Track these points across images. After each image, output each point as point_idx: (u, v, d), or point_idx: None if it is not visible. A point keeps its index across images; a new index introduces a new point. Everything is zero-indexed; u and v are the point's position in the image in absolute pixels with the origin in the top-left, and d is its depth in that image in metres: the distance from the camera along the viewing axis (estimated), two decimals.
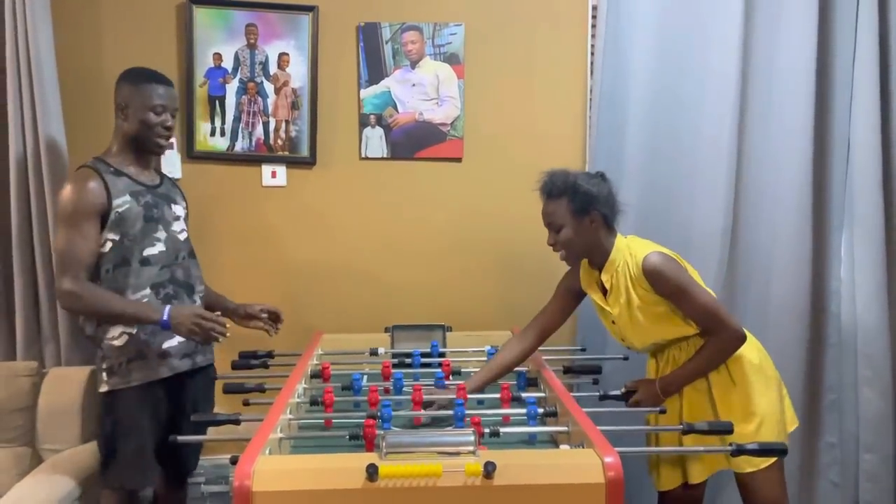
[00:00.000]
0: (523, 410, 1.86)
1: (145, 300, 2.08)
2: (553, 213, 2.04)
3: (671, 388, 2.04)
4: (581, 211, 2.00)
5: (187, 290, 2.22)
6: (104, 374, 2.10)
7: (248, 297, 2.79)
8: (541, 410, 1.86)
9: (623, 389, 2.11)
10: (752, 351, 2.05)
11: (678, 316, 2.00)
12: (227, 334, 2.04)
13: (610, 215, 2.04)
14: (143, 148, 2.17)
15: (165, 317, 2.00)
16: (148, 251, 2.12)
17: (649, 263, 1.94)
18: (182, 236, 2.25)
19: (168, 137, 2.18)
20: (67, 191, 2.04)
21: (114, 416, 2.10)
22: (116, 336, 2.08)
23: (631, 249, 2.02)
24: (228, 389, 2.17)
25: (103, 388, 2.10)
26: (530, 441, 1.81)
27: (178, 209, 2.27)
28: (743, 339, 1.97)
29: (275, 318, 2.44)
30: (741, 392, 2.00)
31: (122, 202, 2.07)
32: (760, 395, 2.00)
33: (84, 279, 2.01)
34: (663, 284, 1.94)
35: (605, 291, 2.08)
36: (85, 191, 2.02)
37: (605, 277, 2.06)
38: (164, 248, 2.16)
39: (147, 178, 2.20)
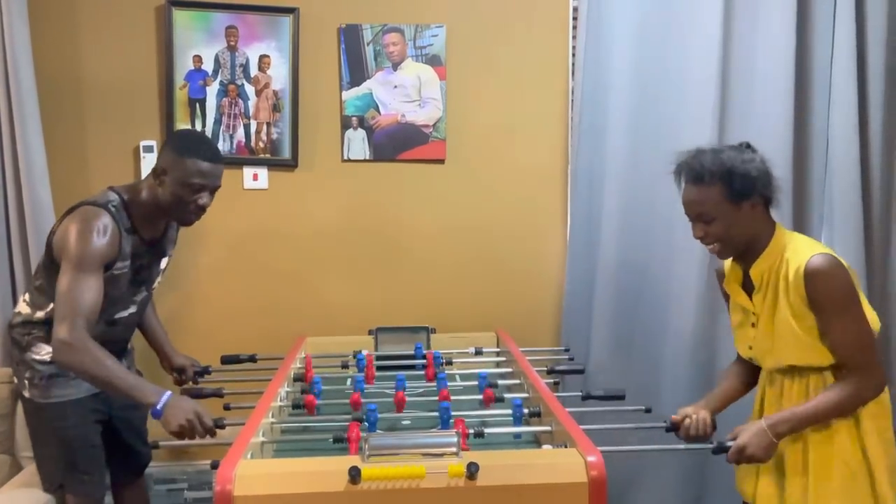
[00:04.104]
0: (508, 411, 1.86)
1: None
2: (703, 203, 1.72)
3: (782, 431, 1.64)
4: (739, 197, 1.69)
5: (125, 345, 2.20)
6: (25, 382, 2.02)
7: (230, 301, 2.80)
8: (525, 411, 1.86)
9: (715, 442, 1.70)
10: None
11: (822, 339, 1.68)
12: (215, 436, 1.84)
13: (771, 198, 1.74)
14: (169, 215, 2.04)
15: (160, 406, 1.76)
16: (119, 314, 2.07)
17: (814, 264, 1.62)
18: (154, 289, 2.20)
19: (200, 215, 2.01)
20: (83, 232, 1.86)
21: (41, 428, 2.06)
22: (42, 352, 1.99)
23: (794, 246, 1.71)
24: (185, 394, 2.07)
25: (25, 394, 2.04)
26: (514, 441, 1.81)
27: (164, 261, 2.19)
28: (882, 387, 1.66)
29: (201, 373, 2.36)
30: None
31: (121, 266, 1.97)
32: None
33: (82, 328, 1.79)
34: (823, 292, 1.63)
35: (750, 289, 1.80)
36: (101, 243, 1.87)
37: (754, 273, 1.75)
38: (134, 311, 2.11)
39: (151, 233, 2.07)
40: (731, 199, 1.69)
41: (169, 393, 1.78)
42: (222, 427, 1.79)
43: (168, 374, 2.37)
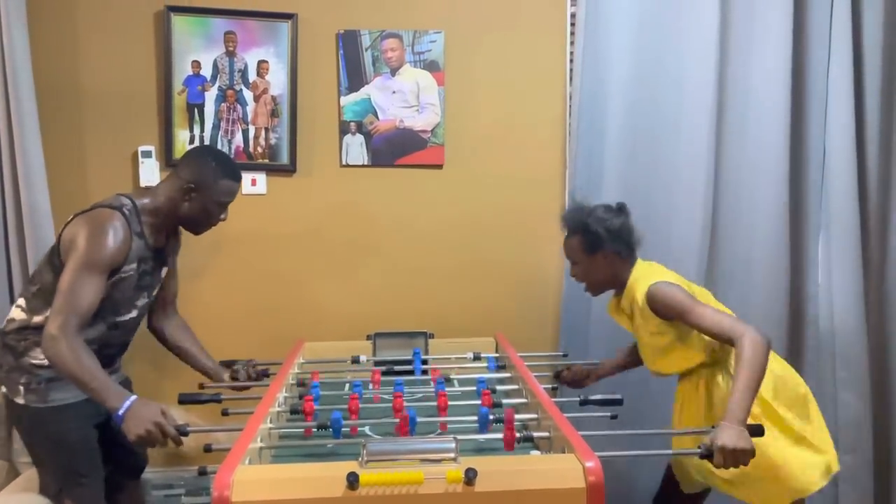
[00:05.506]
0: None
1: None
2: (569, 249, 2.18)
3: (741, 416, 1.75)
4: (592, 249, 2.11)
5: (123, 349, 2.19)
6: (21, 388, 2.00)
7: (228, 306, 2.80)
8: (518, 435, 1.81)
9: (702, 447, 1.72)
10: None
11: (684, 344, 2.04)
12: (181, 444, 1.79)
13: (623, 251, 2.12)
14: (185, 225, 2.14)
15: (122, 411, 1.73)
16: (121, 318, 2.07)
17: (650, 295, 2.00)
18: (155, 297, 2.20)
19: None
20: (95, 233, 1.91)
21: (38, 433, 2.04)
22: (41, 356, 1.95)
23: (642, 279, 2.06)
24: (183, 400, 2.12)
25: (19, 400, 2.01)
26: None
27: (164, 271, 2.21)
28: (765, 338, 1.84)
29: (257, 376, 2.35)
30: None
31: (127, 269, 2.00)
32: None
33: (74, 327, 1.82)
34: (666, 309, 1.99)
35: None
36: (112, 246, 1.91)
37: (624, 304, 2.14)
38: (135, 315, 2.11)
39: (157, 240, 2.11)
40: (585, 249, 2.13)
41: (133, 398, 1.76)
42: (186, 434, 1.76)
43: (230, 380, 2.33)
